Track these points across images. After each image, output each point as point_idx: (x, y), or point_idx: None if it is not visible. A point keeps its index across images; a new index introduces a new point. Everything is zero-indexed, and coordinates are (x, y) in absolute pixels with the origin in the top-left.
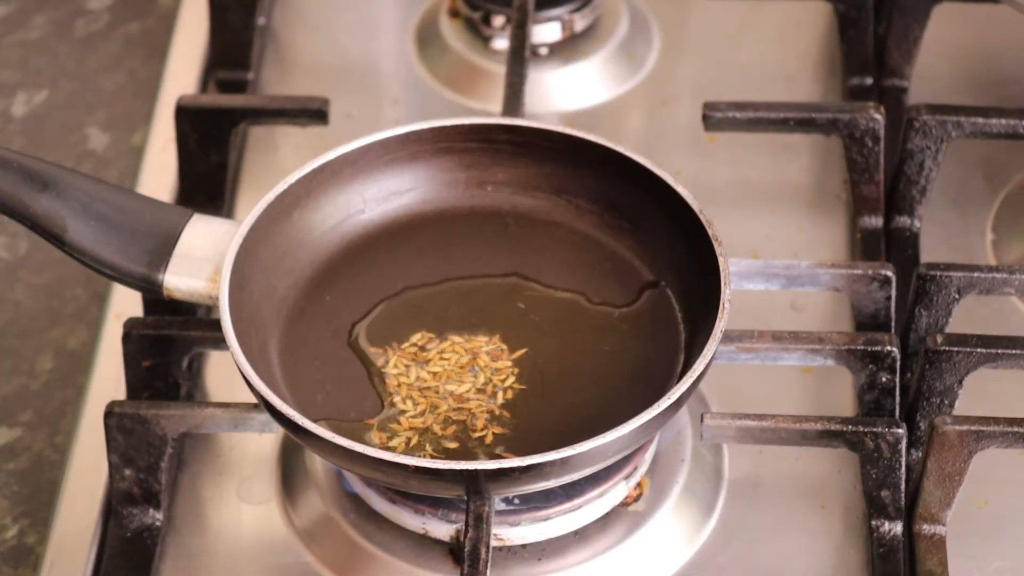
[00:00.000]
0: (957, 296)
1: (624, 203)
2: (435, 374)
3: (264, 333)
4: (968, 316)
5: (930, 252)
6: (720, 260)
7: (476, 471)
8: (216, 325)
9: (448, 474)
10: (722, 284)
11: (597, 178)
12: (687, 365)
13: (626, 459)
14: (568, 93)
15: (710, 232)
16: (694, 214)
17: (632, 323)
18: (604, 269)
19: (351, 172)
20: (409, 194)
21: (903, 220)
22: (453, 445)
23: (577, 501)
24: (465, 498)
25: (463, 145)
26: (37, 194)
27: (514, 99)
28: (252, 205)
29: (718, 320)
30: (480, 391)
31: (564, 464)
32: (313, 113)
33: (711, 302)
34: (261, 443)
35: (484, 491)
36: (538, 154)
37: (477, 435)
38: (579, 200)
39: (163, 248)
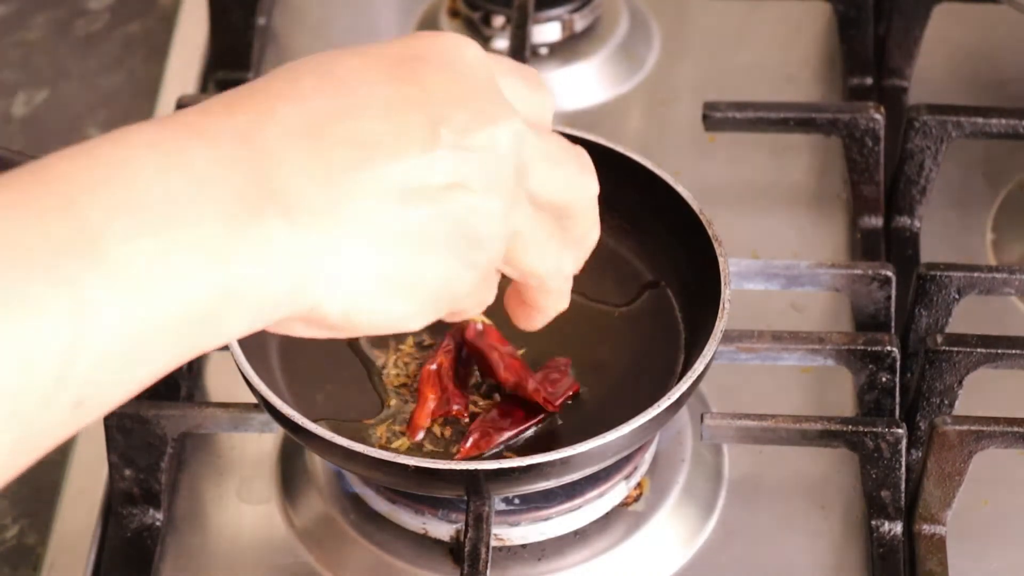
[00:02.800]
0: (957, 296)
1: (624, 203)
2: None
3: (264, 333)
4: (968, 316)
5: (930, 252)
6: (720, 260)
7: (476, 471)
8: None
9: (448, 474)
10: (722, 284)
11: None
12: (687, 365)
13: (626, 459)
14: (568, 93)
15: (710, 232)
16: (694, 214)
17: (632, 323)
18: (604, 269)
19: None
20: None
21: (903, 220)
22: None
23: (577, 501)
24: (465, 498)
25: None
26: None
27: None
28: None
29: (718, 320)
30: (480, 391)
31: (564, 464)
32: None
33: (711, 302)
34: (261, 443)
35: (484, 491)
36: None
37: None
38: None
39: None
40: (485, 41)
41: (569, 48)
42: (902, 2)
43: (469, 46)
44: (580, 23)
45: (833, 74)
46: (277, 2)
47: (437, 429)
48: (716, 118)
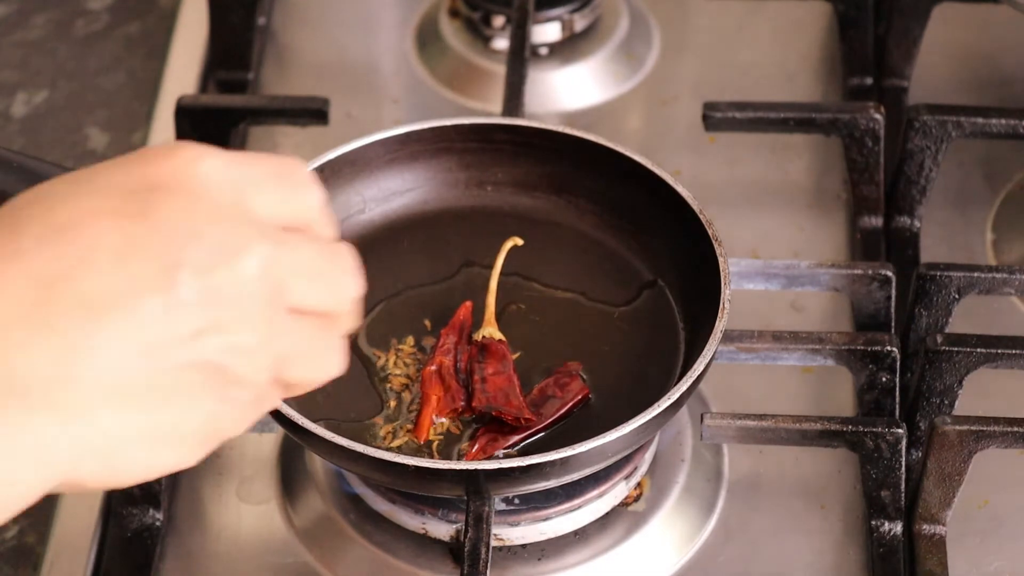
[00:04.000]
0: (957, 296)
1: (624, 203)
2: None
3: None
4: (968, 316)
5: (930, 252)
6: (720, 260)
7: (476, 471)
8: None
9: (448, 474)
10: (722, 284)
11: (597, 178)
12: (687, 365)
13: (626, 459)
14: (568, 93)
15: (710, 232)
16: (694, 214)
17: (632, 323)
18: (604, 269)
19: (351, 172)
20: (409, 194)
21: (903, 220)
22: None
23: (577, 501)
24: (465, 498)
25: (463, 145)
26: None
27: (514, 99)
28: None
29: (718, 320)
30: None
31: (564, 464)
32: (313, 113)
33: (711, 302)
34: (261, 443)
35: (484, 491)
36: (538, 154)
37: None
38: (579, 200)
39: None
40: (485, 41)
41: (569, 48)
42: (902, 2)
43: (205, 160)
44: (580, 23)
45: (833, 74)
46: (277, 2)
47: (444, 427)
48: (716, 118)
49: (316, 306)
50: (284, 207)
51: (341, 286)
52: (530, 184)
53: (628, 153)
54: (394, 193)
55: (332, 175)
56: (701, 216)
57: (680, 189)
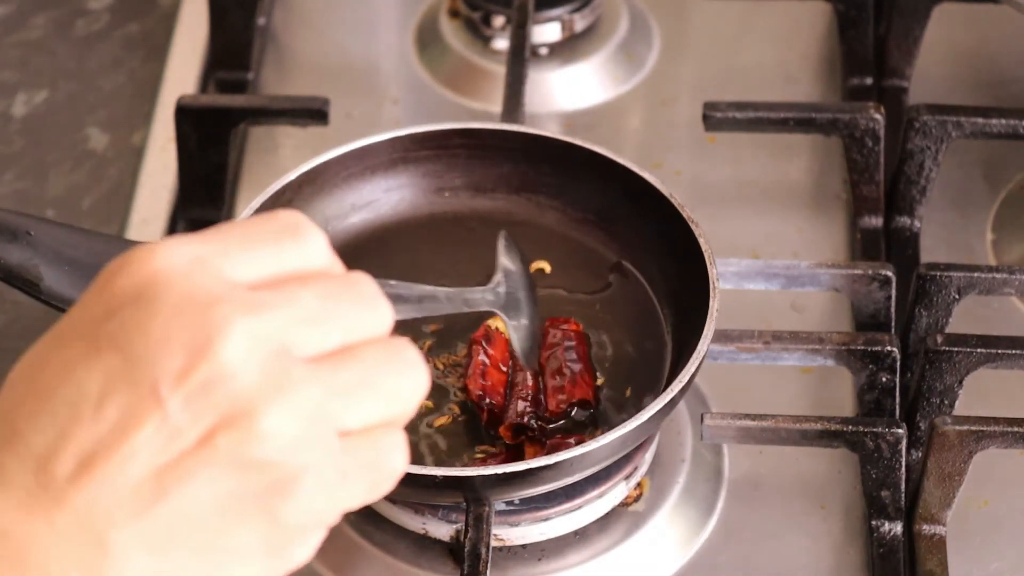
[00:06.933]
0: (957, 296)
1: (586, 195)
2: None
3: None
4: (968, 316)
5: (930, 252)
6: (700, 241)
7: (472, 477)
8: None
9: (443, 481)
10: (708, 265)
11: (555, 173)
12: (680, 360)
13: (626, 459)
14: (568, 93)
15: (684, 214)
16: (664, 198)
17: (613, 312)
18: (576, 262)
19: (311, 191)
20: (368, 208)
21: (903, 220)
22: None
23: (577, 501)
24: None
25: (417, 154)
26: (8, 245)
27: (514, 99)
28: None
29: (711, 300)
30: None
31: (560, 468)
32: (313, 113)
33: (697, 287)
34: None
35: (483, 498)
36: (493, 155)
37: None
38: (539, 197)
39: None
40: (485, 41)
41: (569, 48)
42: (902, 2)
43: (157, 256)
44: (580, 23)
45: (833, 74)
46: (277, 2)
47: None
48: (716, 118)
49: (330, 345)
50: (266, 265)
51: (361, 320)
52: (487, 186)
53: (585, 144)
54: (353, 208)
55: (294, 196)
56: (672, 199)
57: (646, 175)
